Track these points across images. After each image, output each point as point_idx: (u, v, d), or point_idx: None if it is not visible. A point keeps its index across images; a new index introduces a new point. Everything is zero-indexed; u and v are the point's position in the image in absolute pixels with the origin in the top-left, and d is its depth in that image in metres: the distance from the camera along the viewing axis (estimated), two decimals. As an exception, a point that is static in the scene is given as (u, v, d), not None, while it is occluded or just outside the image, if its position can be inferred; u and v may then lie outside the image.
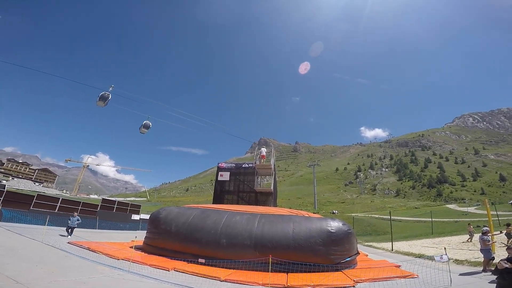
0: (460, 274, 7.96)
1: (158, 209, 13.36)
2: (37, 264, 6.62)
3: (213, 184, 30.93)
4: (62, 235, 12.27)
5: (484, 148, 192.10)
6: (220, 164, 29.33)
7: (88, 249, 10.12)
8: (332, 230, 9.69)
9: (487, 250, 8.54)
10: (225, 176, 28.27)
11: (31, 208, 16.95)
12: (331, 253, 9.33)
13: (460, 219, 41.27)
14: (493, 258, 8.52)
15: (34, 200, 17.60)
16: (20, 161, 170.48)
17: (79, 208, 20.98)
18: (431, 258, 10.31)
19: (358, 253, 10.86)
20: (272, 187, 27.65)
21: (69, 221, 13.74)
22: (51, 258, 7.64)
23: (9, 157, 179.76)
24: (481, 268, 8.62)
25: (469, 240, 16.63)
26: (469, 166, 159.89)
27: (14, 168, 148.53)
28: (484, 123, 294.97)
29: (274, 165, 30.08)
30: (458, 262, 9.70)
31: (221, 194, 27.68)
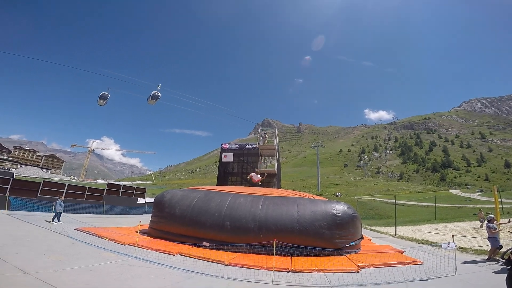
0: (464, 262, 7.90)
1: (162, 192, 13.50)
2: (45, 252, 6.78)
3: (217, 166, 31.14)
4: (47, 221, 11.96)
5: (490, 133, 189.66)
6: (223, 145, 29.30)
7: (95, 235, 10.33)
8: (337, 214, 9.66)
9: (494, 239, 8.35)
10: (228, 157, 28.34)
11: (38, 195, 17.30)
12: (336, 237, 9.34)
13: (463, 205, 41.55)
14: (501, 247, 8.33)
15: (40, 187, 17.92)
16: (26, 148, 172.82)
17: (85, 193, 21.40)
18: (435, 244, 10.26)
19: (362, 237, 10.96)
20: (276, 168, 27.76)
21: (59, 206, 12.91)
22: (59, 246, 7.82)
23: (15, 145, 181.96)
24: (486, 257, 8.48)
25: (481, 226, 16.37)
26: (474, 151, 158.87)
27: (21, 155, 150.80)
28: (493, 108, 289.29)
29: (278, 146, 29.97)
30: (462, 249, 9.66)
31: (225, 176, 27.91)
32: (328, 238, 9.32)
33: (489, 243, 8.60)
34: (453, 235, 8.18)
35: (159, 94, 22.76)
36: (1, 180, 15.85)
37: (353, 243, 9.70)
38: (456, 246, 7.15)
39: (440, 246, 7.42)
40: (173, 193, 12.89)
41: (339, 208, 9.96)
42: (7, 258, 5.80)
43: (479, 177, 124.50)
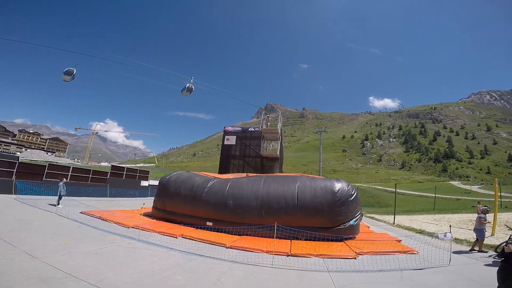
0: (458, 253, 8.02)
1: (169, 173, 13.77)
2: (52, 236, 6.98)
3: (220, 149, 31.26)
4: (52, 204, 12.16)
5: (497, 126, 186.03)
6: (226, 128, 29.27)
7: (100, 218, 10.60)
8: (336, 190, 9.86)
9: (481, 230, 8.38)
10: (231, 140, 28.39)
11: (43, 179, 17.58)
12: (336, 213, 9.52)
13: (463, 197, 41.68)
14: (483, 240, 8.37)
15: (46, 171, 18.17)
16: (31, 131, 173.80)
17: (90, 176, 21.74)
18: (431, 234, 10.39)
19: (361, 214, 11.16)
20: (278, 152, 27.80)
21: (62, 189, 12.77)
22: (65, 230, 8.06)
23: (20, 128, 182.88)
24: (476, 248, 8.43)
25: None
26: (478, 143, 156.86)
27: (26, 138, 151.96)
28: (502, 101, 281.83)
29: (281, 130, 29.86)
30: (457, 241, 9.80)
31: (227, 159, 28.08)
32: (328, 215, 9.51)
33: (475, 234, 8.59)
34: (450, 226, 8.27)
35: (193, 87, 24.38)
36: (7, 164, 16.01)
37: (353, 222, 9.83)
38: (452, 237, 7.23)
39: (437, 236, 7.51)
40: (179, 174, 13.29)
41: (338, 185, 10.13)
42: (16, 243, 5.99)
43: (481, 169, 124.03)
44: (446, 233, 6.96)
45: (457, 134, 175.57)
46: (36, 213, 10.34)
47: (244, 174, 15.50)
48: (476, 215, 17.63)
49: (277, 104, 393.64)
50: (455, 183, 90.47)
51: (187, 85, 24.73)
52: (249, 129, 29.44)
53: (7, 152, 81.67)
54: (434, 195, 31.18)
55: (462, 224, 14.64)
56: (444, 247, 7.74)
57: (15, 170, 15.98)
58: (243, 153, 28.31)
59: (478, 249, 8.37)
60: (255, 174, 16.51)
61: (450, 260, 6.82)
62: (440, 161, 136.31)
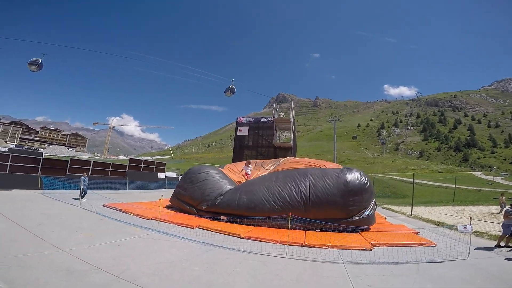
0: (477, 247, 7.75)
1: (198, 167, 14.05)
2: (76, 229, 7.38)
3: (233, 139, 31.51)
4: (75, 198, 12.79)
5: None
6: (239, 119, 29.38)
7: (121, 210, 11.04)
8: (348, 180, 9.74)
9: (507, 225, 7.97)
10: (244, 130, 28.53)
11: (66, 173, 18.43)
12: (349, 203, 9.42)
13: (484, 189, 39.72)
14: None
15: (68, 165, 19.02)
16: (52, 128, 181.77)
17: (109, 170, 22.56)
18: (450, 227, 10.03)
19: (376, 204, 11.01)
20: (291, 142, 27.67)
21: (83, 183, 13.22)
22: (88, 223, 8.48)
23: (42, 126, 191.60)
24: (502, 244, 8.03)
25: (501, 211, 15.81)
26: (502, 131, 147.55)
27: (48, 135, 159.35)
28: None
29: (293, 119, 29.60)
30: (477, 234, 9.46)
31: (240, 149, 28.29)
32: (342, 206, 9.43)
33: (502, 229, 8.22)
34: (471, 218, 7.95)
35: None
36: (32, 160, 16.89)
37: (368, 212, 9.72)
38: (472, 229, 7.01)
39: (456, 229, 7.29)
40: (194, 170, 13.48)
41: (350, 175, 10.00)
42: (44, 236, 6.38)
43: (504, 159, 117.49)
44: (466, 225, 6.73)
45: (479, 122, 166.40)
46: (62, 207, 10.90)
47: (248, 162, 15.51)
48: (498, 207, 16.99)
49: (289, 94, 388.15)
50: (477, 173, 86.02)
51: (230, 86, 26.49)
52: (262, 119, 29.39)
53: (31, 149, 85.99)
54: (454, 185, 30.01)
55: (483, 217, 14.13)
56: (463, 240, 7.53)
57: (40, 166, 16.79)
58: (256, 144, 28.40)
59: (504, 245, 7.99)
60: (255, 160, 16.64)
61: (469, 253, 6.64)
62: (461, 150, 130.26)
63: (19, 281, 3.97)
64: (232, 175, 13.80)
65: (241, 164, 15.62)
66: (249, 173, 14.01)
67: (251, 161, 15.83)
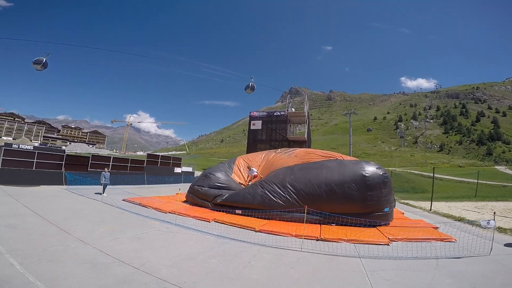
0: (500, 243, 7.39)
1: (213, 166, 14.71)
2: (99, 223, 7.76)
3: (246, 134, 31.67)
4: (97, 193, 13.27)
5: None
6: (252, 113, 29.47)
7: (140, 204, 11.47)
8: (367, 174, 9.49)
9: None
10: (257, 124, 28.62)
11: (88, 169, 19.25)
12: (367, 198, 9.22)
13: (509, 184, 37.38)
14: None
15: (90, 162, 19.84)
16: (72, 126, 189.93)
17: (128, 165, 23.33)
18: (472, 222, 9.65)
19: (395, 200, 10.74)
20: (306, 136, 27.40)
21: (104, 178, 13.68)
22: (110, 217, 8.88)
23: (63, 124, 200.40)
24: None
25: None
26: None
27: (69, 133, 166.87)
28: None
29: (307, 113, 29.26)
30: (500, 230, 9.03)
31: (254, 143, 28.41)
32: (359, 201, 9.25)
33: None
34: (494, 213, 7.59)
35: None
36: (56, 157, 17.75)
37: (387, 209, 9.50)
38: (496, 225, 6.71)
39: (479, 224, 7.02)
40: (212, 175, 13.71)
41: (368, 168, 9.75)
42: (70, 230, 6.76)
43: None
44: (489, 220, 6.44)
45: (504, 115, 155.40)
46: (85, 201, 11.45)
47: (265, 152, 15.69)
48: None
49: (301, 87, 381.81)
50: (501, 168, 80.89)
51: (250, 83, 27.38)
52: (275, 113, 29.26)
53: (54, 146, 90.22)
54: (476, 180, 28.52)
55: (507, 213, 13.39)
56: (485, 235, 7.25)
57: (63, 163, 17.63)
58: (269, 137, 28.37)
59: None
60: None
61: (491, 249, 6.38)
62: (484, 143, 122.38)
63: (47, 274, 4.18)
64: (239, 180, 14.05)
65: (256, 155, 15.75)
66: (256, 173, 13.93)
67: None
